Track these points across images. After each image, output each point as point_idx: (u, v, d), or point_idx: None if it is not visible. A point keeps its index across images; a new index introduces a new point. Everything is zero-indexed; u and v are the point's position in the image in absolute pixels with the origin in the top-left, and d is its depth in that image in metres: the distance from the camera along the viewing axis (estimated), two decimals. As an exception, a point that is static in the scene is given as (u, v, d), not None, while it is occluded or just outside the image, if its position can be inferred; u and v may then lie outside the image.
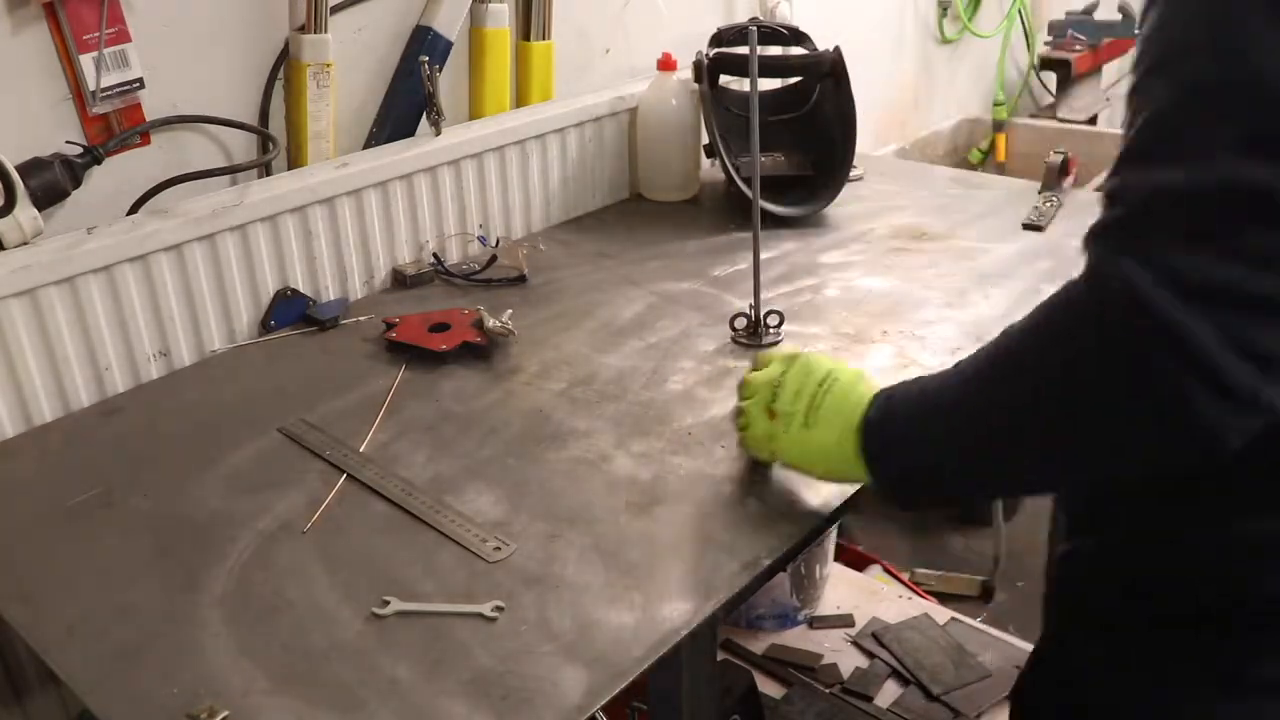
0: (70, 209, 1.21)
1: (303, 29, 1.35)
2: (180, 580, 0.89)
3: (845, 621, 1.97)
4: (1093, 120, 3.13)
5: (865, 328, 1.27)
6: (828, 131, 1.69)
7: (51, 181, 1.16)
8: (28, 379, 1.14)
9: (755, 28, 1.28)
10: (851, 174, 1.67)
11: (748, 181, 1.38)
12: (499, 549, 0.90)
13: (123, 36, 1.20)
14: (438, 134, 1.48)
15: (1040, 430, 0.74)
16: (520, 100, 1.66)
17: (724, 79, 1.69)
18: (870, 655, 1.90)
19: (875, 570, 2.19)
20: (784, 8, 2.13)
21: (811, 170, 1.70)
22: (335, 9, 1.38)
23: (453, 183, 1.51)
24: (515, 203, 1.60)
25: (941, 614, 1.99)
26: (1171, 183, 0.65)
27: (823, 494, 0.96)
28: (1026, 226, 1.55)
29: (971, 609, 2.15)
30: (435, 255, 1.48)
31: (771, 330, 1.25)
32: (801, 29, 1.77)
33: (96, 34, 1.17)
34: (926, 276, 1.40)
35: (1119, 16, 3.08)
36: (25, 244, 1.14)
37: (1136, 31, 0.71)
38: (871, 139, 2.56)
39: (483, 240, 1.55)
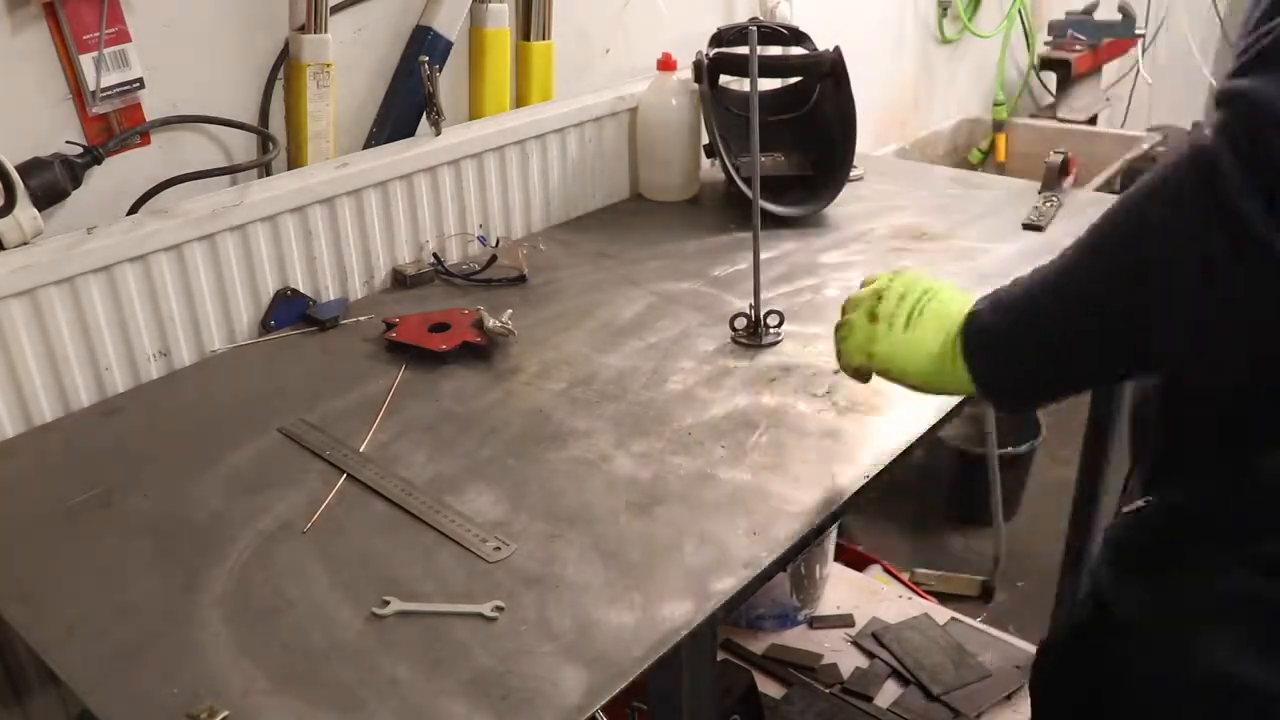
0: (70, 209, 1.21)
1: (303, 29, 1.35)
2: (180, 580, 0.89)
3: (845, 621, 1.98)
4: (1093, 120, 3.13)
5: (865, 328, 1.27)
6: (828, 131, 1.69)
7: (51, 181, 1.16)
8: (28, 379, 1.14)
9: (755, 28, 1.28)
10: (851, 174, 1.67)
11: (748, 181, 1.38)
12: (499, 549, 0.90)
13: (123, 36, 1.21)
14: (438, 134, 1.48)
15: (1125, 296, 0.74)
16: (520, 100, 1.66)
17: (724, 79, 1.69)
18: (870, 655, 1.90)
19: (875, 570, 2.19)
20: (784, 8, 2.13)
21: (811, 170, 1.70)
22: (335, 9, 1.38)
23: (453, 183, 1.51)
24: (515, 203, 1.60)
25: (941, 614, 2.00)
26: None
27: (822, 494, 0.96)
28: (1026, 226, 1.55)
29: (971, 609, 2.15)
30: (435, 255, 1.48)
31: (771, 330, 1.25)
32: (801, 29, 1.77)
33: (96, 34, 1.17)
34: (926, 276, 1.40)
35: (1119, 16, 3.08)
36: (25, 244, 1.14)
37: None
38: (871, 139, 2.56)
39: (483, 240, 1.55)
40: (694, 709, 0.90)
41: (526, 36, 1.63)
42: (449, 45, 1.51)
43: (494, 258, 1.47)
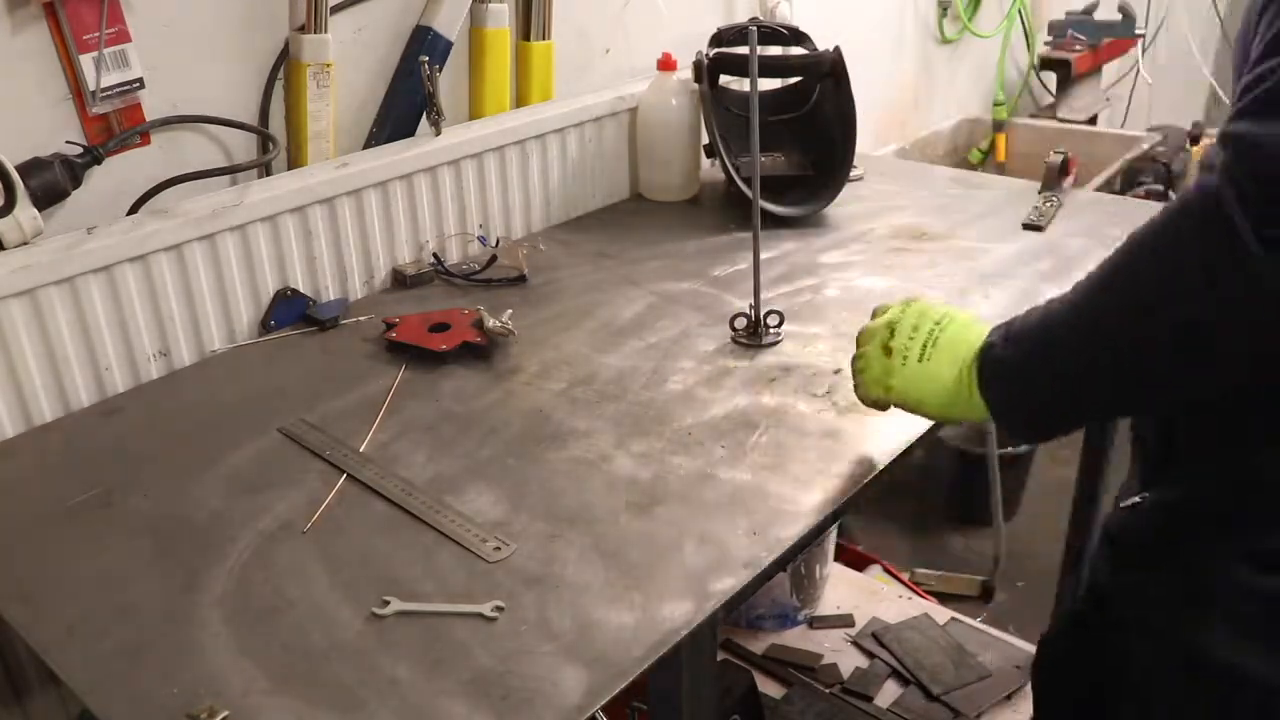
0: (70, 209, 1.21)
1: (303, 29, 1.35)
2: (180, 580, 0.89)
3: (845, 621, 1.98)
4: (1093, 120, 3.13)
5: (865, 328, 1.27)
6: (828, 131, 1.69)
7: (51, 181, 1.16)
8: (28, 379, 1.14)
9: (755, 28, 1.28)
10: (851, 174, 1.67)
11: (748, 181, 1.38)
12: (499, 549, 0.90)
13: (123, 36, 1.20)
14: (438, 134, 1.48)
15: (1135, 329, 0.77)
16: (520, 100, 1.66)
17: (724, 79, 1.69)
18: (870, 655, 1.90)
19: (875, 570, 2.19)
20: (784, 8, 2.13)
21: (811, 170, 1.70)
22: (335, 9, 1.38)
23: (453, 183, 1.51)
24: (515, 203, 1.60)
25: (941, 614, 2.00)
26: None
27: (822, 494, 0.96)
28: (1026, 226, 1.55)
29: (971, 609, 2.15)
30: (435, 255, 1.48)
31: (771, 330, 1.25)
32: (801, 29, 1.77)
33: (96, 34, 1.17)
34: (926, 276, 1.40)
35: (1119, 16, 3.08)
36: (25, 244, 1.14)
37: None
38: (871, 139, 2.56)
39: (483, 240, 1.55)
40: (694, 709, 0.90)
41: (526, 36, 1.63)
42: (449, 45, 1.51)
43: (494, 258, 1.47)
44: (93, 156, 1.20)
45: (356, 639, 0.81)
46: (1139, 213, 1.40)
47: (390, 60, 1.50)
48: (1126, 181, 2.92)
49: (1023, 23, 3.08)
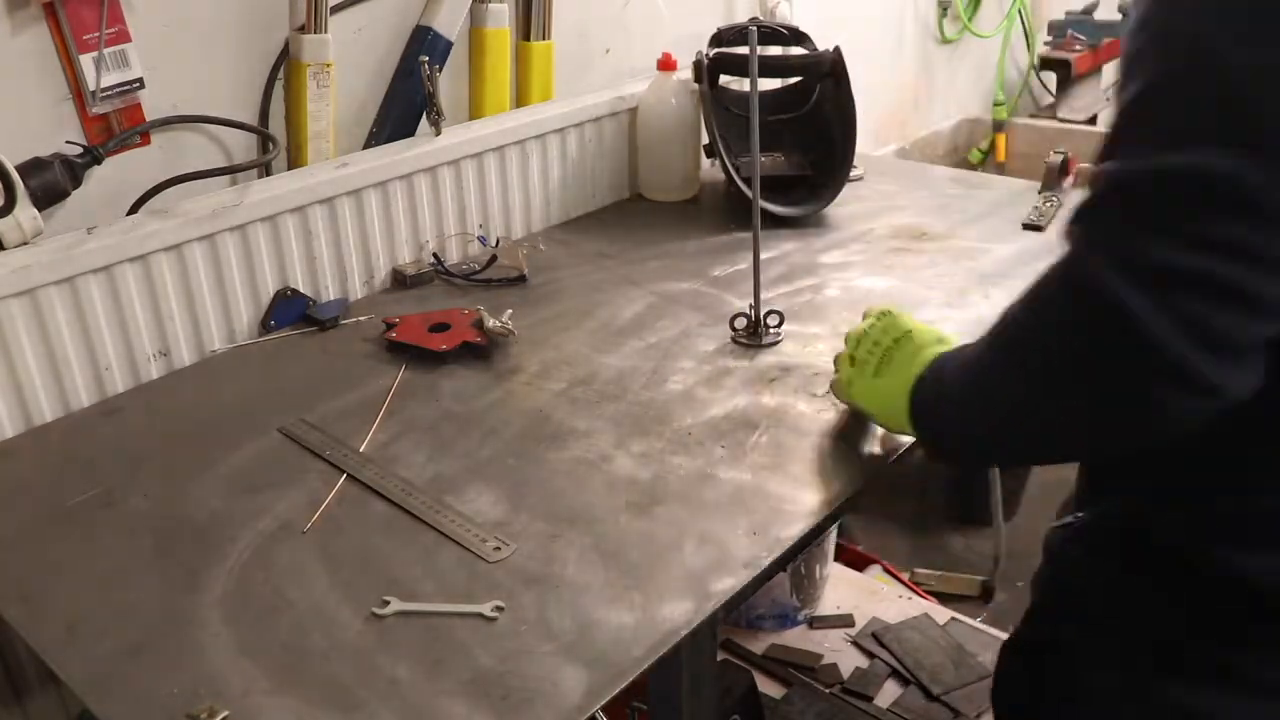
0: (70, 209, 1.21)
1: (303, 29, 1.35)
2: (180, 580, 0.89)
3: (845, 621, 1.97)
4: (1093, 120, 3.13)
5: (865, 328, 1.27)
6: (828, 131, 1.69)
7: (51, 181, 1.16)
8: (28, 379, 1.14)
9: (755, 28, 1.28)
10: (851, 174, 1.67)
11: (748, 181, 1.38)
12: (499, 549, 0.90)
13: (123, 36, 1.21)
14: (438, 134, 1.48)
15: (1031, 407, 0.77)
16: (520, 100, 1.66)
17: (724, 79, 1.69)
18: (870, 655, 1.90)
19: (875, 570, 2.19)
20: (784, 8, 2.13)
21: (811, 170, 1.70)
22: (335, 9, 1.38)
23: (453, 183, 1.51)
24: (515, 203, 1.60)
25: (941, 614, 1.99)
26: (1139, 171, 0.66)
27: (822, 494, 0.96)
28: (1026, 226, 1.55)
29: (971, 609, 2.15)
30: (435, 255, 1.48)
31: (771, 330, 1.25)
32: (801, 29, 1.77)
33: (96, 34, 1.17)
34: (926, 276, 1.40)
35: (1119, 16, 3.08)
36: (25, 244, 1.14)
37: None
38: (871, 139, 2.56)
39: (483, 240, 1.55)
40: (694, 709, 0.90)
41: (526, 36, 1.63)
42: (449, 45, 1.51)
43: (494, 258, 1.47)
44: (93, 156, 1.20)
45: (356, 639, 0.81)
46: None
47: (390, 60, 1.50)
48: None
49: (1023, 23, 3.08)
